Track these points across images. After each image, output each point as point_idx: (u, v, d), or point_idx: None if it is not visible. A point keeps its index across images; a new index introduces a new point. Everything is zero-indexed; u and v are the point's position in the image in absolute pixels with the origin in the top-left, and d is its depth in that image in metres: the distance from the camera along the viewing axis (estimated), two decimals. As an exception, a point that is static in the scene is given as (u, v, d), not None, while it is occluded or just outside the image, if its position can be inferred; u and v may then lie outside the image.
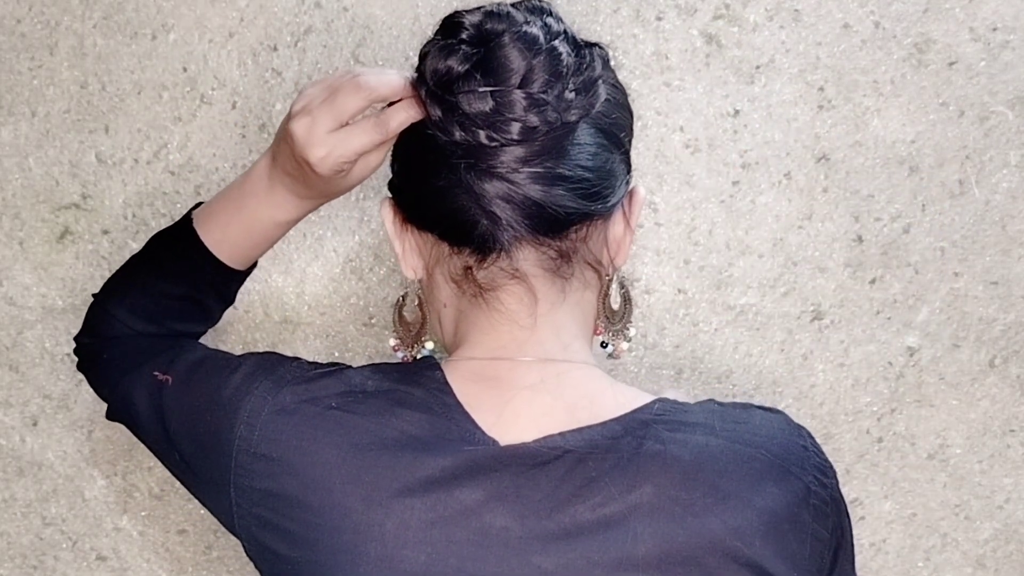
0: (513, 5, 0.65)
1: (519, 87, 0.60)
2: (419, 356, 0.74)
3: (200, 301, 0.79)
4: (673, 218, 0.98)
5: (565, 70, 0.61)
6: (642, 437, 0.62)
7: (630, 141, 0.68)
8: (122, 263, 0.81)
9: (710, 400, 0.67)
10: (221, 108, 0.96)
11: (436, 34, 0.64)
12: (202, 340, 0.81)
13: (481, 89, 0.60)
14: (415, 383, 0.65)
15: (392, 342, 0.75)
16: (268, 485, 0.63)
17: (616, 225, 0.68)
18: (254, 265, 0.81)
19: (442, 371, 0.66)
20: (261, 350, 0.99)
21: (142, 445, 1.01)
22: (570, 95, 0.61)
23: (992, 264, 0.99)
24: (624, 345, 0.73)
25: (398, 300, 0.75)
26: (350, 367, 0.69)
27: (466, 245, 0.64)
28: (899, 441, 1.02)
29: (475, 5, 0.95)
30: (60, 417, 1.01)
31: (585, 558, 0.60)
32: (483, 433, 0.62)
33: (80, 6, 0.96)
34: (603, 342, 0.73)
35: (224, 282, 0.79)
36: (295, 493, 0.62)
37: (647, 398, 0.65)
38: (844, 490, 1.03)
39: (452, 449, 0.61)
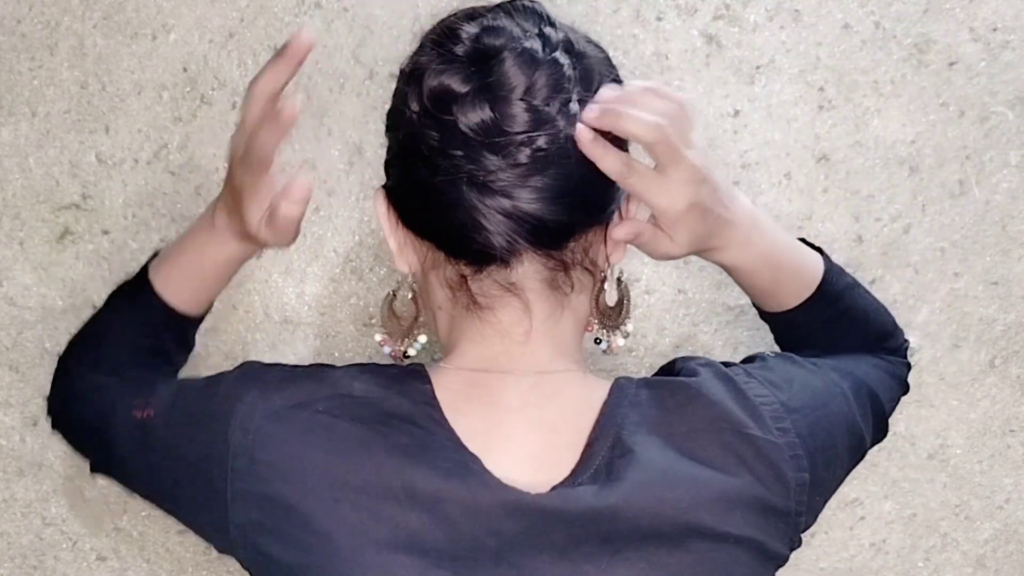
0: (507, 8, 0.63)
1: (522, 101, 0.58)
2: (410, 351, 0.74)
3: (162, 348, 0.79)
4: (673, 218, 0.98)
5: (567, 82, 0.60)
6: (607, 483, 0.62)
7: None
8: (87, 320, 0.81)
9: (651, 385, 0.68)
10: (221, 108, 0.97)
11: (430, 45, 0.62)
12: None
13: (481, 110, 0.58)
14: (402, 393, 0.65)
15: (378, 337, 0.74)
16: (263, 489, 0.62)
17: (614, 224, 0.67)
18: (209, 308, 0.82)
19: (431, 383, 0.65)
20: (259, 351, 0.99)
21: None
22: (574, 107, 0.60)
23: (992, 264, 0.99)
24: (620, 341, 0.72)
25: (388, 294, 0.74)
26: (334, 367, 0.68)
27: (463, 256, 0.63)
28: (899, 441, 1.02)
29: (474, 4, 0.95)
30: (60, 417, 1.01)
31: (577, 549, 0.60)
32: (468, 453, 0.62)
33: (80, 6, 0.96)
34: (596, 338, 0.73)
35: (179, 327, 0.80)
36: (289, 498, 0.62)
37: (608, 420, 0.64)
38: (844, 490, 1.03)
39: (436, 466, 0.61)
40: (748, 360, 0.76)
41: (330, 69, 0.96)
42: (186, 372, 1.00)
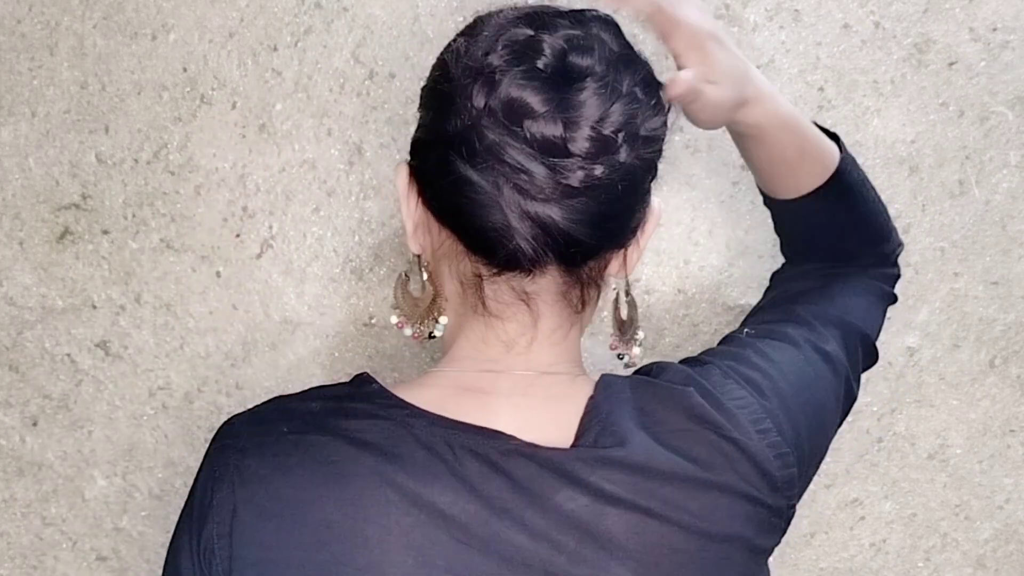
0: (586, 20, 0.62)
1: (592, 129, 0.58)
2: (435, 332, 0.73)
3: None
4: (673, 218, 0.98)
5: (640, 116, 0.60)
6: (584, 446, 0.62)
7: (662, 156, 0.67)
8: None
9: (639, 381, 0.68)
10: (221, 108, 0.97)
11: (506, 48, 0.60)
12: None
13: (553, 128, 0.58)
14: (355, 398, 0.66)
15: (394, 319, 0.74)
16: (249, 518, 0.62)
17: (631, 243, 0.67)
18: None
19: (377, 383, 0.66)
20: (259, 351, 0.99)
21: (142, 445, 1.02)
22: (638, 139, 0.60)
23: (992, 264, 0.99)
24: (636, 351, 0.73)
25: (400, 275, 0.74)
26: (290, 396, 0.69)
27: (485, 256, 0.63)
28: (899, 441, 1.02)
29: (474, 4, 0.95)
30: (60, 417, 1.01)
31: (563, 553, 0.60)
32: (437, 416, 0.62)
33: (80, 6, 0.96)
34: (620, 354, 0.73)
35: None
36: (277, 519, 0.61)
37: (595, 412, 0.65)
38: (844, 490, 1.03)
39: (406, 451, 0.61)
40: (726, 340, 0.76)
41: (330, 69, 0.96)
42: (185, 372, 1.00)
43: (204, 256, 0.98)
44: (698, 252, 0.98)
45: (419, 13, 0.95)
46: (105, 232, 0.99)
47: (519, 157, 0.58)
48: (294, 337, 0.99)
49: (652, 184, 0.66)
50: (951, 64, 0.97)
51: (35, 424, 1.02)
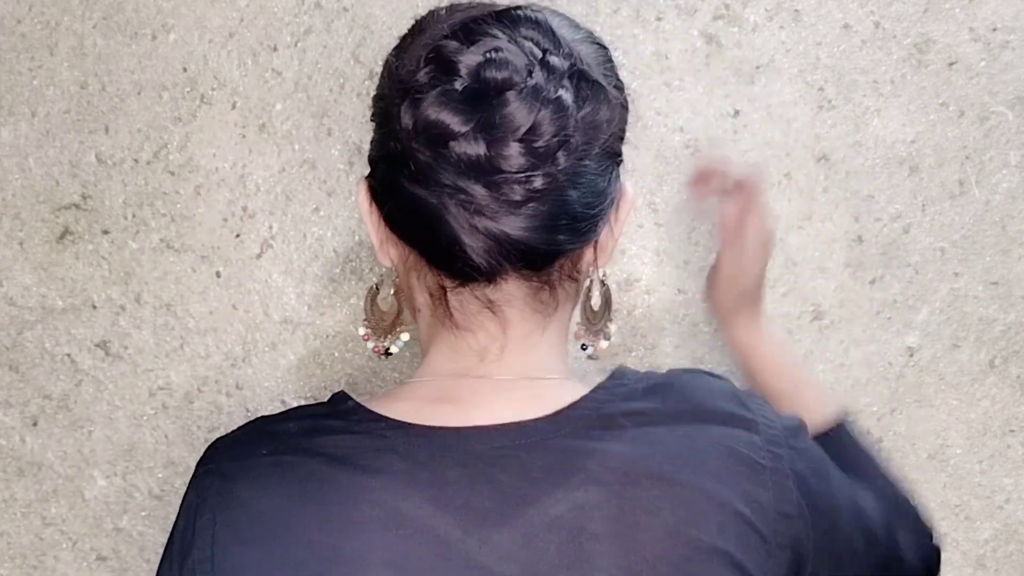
0: (508, 23, 0.60)
1: (521, 143, 0.56)
2: (392, 348, 0.73)
3: None
4: (673, 218, 0.98)
5: (570, 118, 0.58)
6: (570, 436, 0.61)
7: (623, 140, 0.65)
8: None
9: (655, 377, 0.66)
10: (221, 108, 0.97)
11: (426, 65, 0.58)
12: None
13: (477, 147, 0.56)
14: (332, 416, 0.65)
15: (362, 331, 0.74)
16: (230, 543, 0.62)
17: (602, 233, 0.65)
18: None
19: (353, 400, 0.65)
20: (259, 351, 0.99)
21: (142, 445, 1.02)
22: (575, 140, 0.58)
23: (992, 264, 0.99)
24: (603, 344, 0.70)
25: (371, 287, 0.74)
26: (271, 416, 0.69)
27: (444, 270, 0.62)
28: (899, 441, 1.02)
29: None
30: (60, 417, 1.01)
31: (546, 562, 0.59)
32: (411, 427, 0.62)
33: (80, 6, 0.96)
34: (583, 345, 0.71)
35: None
36: (258, 542, 0.61)
37: (591, 401, 0.63)
38: (844, 490, 1.03)
39: (384, 464, 0.61)
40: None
41: (330, 69, 0.96)
42: (185, 372, 1.00)
43: (204, 256, 0.98)
44: (698, 252, 0.98)
45: (419, 13, 0.95)
46: (105, 232, 0.99)
47: (452, 178, 0.57)
48: (294, 337, 0.99)
49: (616, 169, 0.64)
50: (951, 64, 0.97)
51: (35, 424, 1.02)
